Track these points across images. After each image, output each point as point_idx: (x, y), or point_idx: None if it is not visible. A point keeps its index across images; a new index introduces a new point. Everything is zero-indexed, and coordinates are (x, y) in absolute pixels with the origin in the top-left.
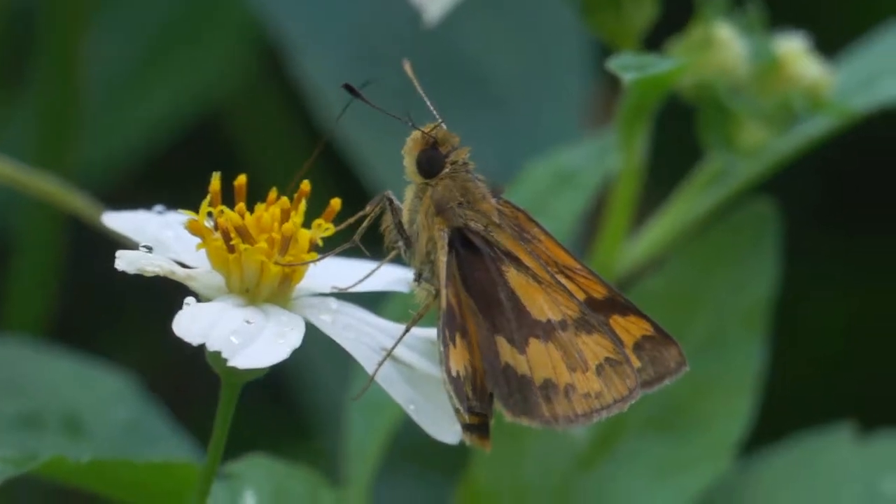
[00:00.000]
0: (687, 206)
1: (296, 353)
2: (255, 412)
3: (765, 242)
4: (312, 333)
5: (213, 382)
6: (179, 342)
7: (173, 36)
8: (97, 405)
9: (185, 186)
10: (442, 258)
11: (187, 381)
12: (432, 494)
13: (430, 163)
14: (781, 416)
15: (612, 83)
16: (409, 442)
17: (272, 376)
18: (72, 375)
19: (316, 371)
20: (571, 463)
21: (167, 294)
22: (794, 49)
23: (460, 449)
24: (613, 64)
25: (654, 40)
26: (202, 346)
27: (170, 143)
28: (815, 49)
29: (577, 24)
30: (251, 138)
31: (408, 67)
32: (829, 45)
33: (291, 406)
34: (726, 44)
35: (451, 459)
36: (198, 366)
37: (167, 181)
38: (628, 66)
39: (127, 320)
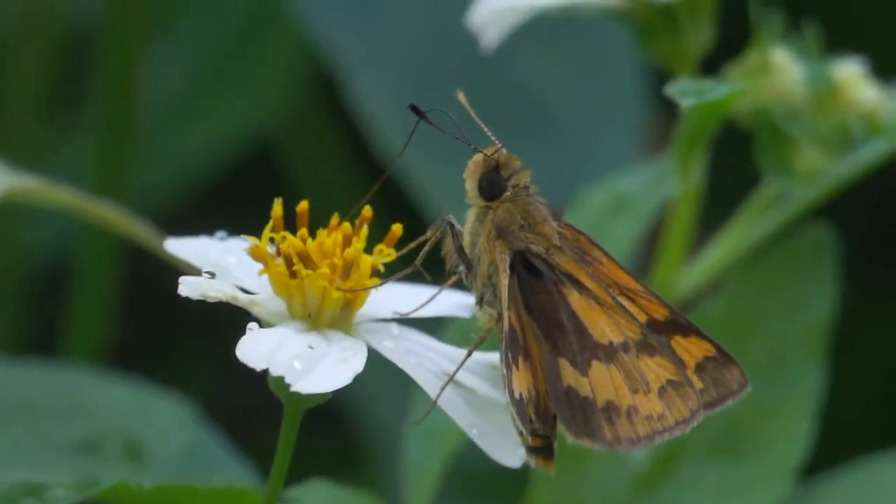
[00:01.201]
0: (744, 230)
1: (349, 385)
2: (307, 443)
3: (823, 266)
4: (367, 363)
5: (272, 409)
6: (238, 369)
7: (228, 61)
8: (157, 432)
9: (239, 212)
10: (504, 281)
11: (246, 409)
12: None
13: (492, 186)
14: (842, 441)
15: (668, 109)
16: (464, 472)
17: (325, 406)
18: (132, 402)
19: (369, 402)
20: (632, 486)
21: (225, 321)
22: (851, 74)
23: (515, 478)
24: (671, 89)
25: (711, 65)
26: (264, 372)
27: (224, 169)
28: (872, 74)
29: (632, 50)
30: (303, 164)
31: (462, 97)
32: (887, 69)
33: (344, 437)
34: (783, 69)
35: (505, 489)
36: (256, 392)
37: (222, 207)
38: (686, 92)
39: (185, 346)
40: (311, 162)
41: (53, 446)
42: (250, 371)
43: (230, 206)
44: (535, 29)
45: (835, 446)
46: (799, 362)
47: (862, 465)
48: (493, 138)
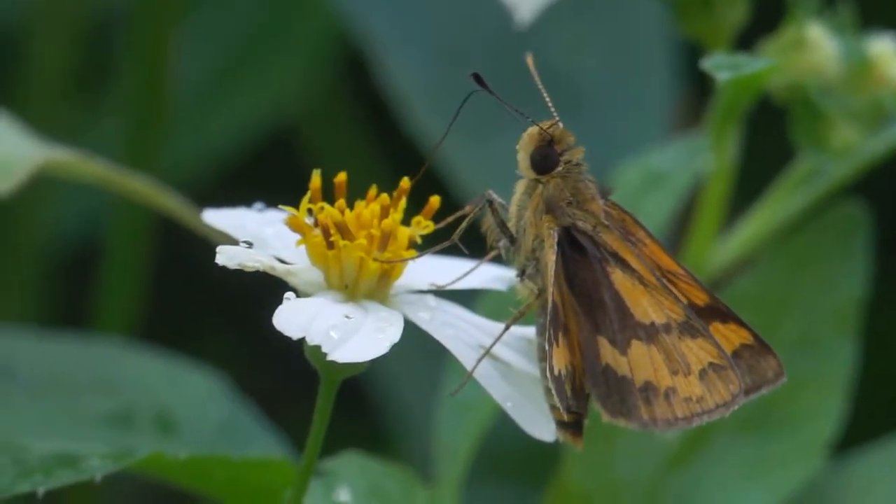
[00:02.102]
0: (778, 206)
1: (375, 366)
2: (332, 425)
3: (856, 243)
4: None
5: (303, 387)
6: (269, 346)
7: (256, 41)
8: (189, 405)
9: (265, 192)
10: (551, 256)
11: (276, 386)
12: (518, 502)
13: (545, 160)
14: (874, 417)
15: (699, 87)
16: (492, 450)
17: (351, 388)
18: (163, 375)
19: (394, 382)
20: (662, 462)
21: (257, 295)
22: (885, 50)
23: (544, 457)
24: (707, 64)
25: (746, 41)
26: (296, 347)
27: (251, 149)
28: None
29: (663, 28)
30: (329, 145)
31: (530, 61)
32: None
33: (371, 419)
34: (818, 44)
35: (534, 468)
36: (289, 366)
37: (248, 187)
38: (722, 66)
39: (216, 320)
40: (336, 143)
41: (86, 419)
42: (281, 348)
43: (257, 186)
44: (565, 8)
45: (867, 423)
46: (831, 339)
47: (891, 443)
48: (552, 111)
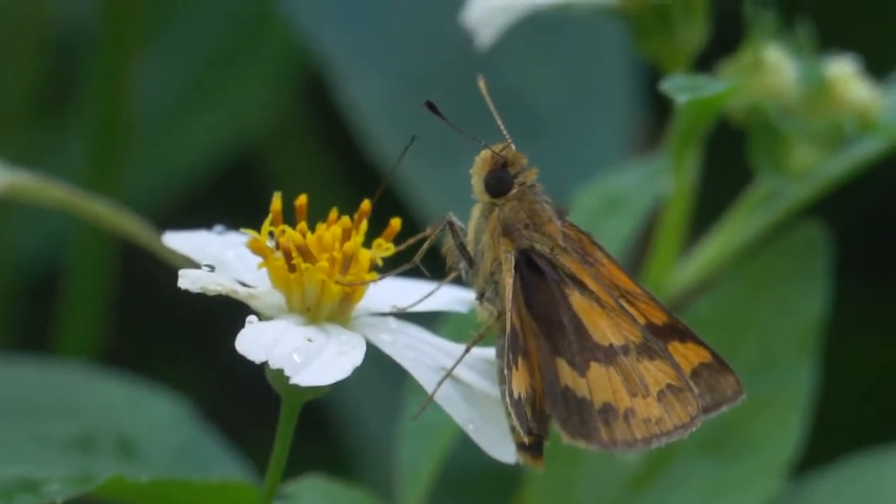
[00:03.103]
0: (737, 228)
1: (334, 391)
2: (292, 450)
3: (815, 265)
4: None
5: (265, 406)
6: (232, 366)
7: (219, 64)
8: (151, 429)
9: (227, 215)
10: (508, 280)
11: (240, 406)
12: None
13: (499, 183)
14: (832, 438)
15: (657, 110)
16: (453, 473)
17: (311, 413)
18: (125, 399)
19: (354, 408)
20: (624, 485)
21: (219, 318)
22: (843, 72)
23: (504, 479)
24: (666, 86)
25: (704, 63)
26: (257, 369)
27: (213, 172)
28: (864, 72)
29: (621, 52)
30: (291, 168)
31: (482, 85)
32: (879, 67)
33: (330, 444)
34: (776, 67)
35: (495, 491)
36: (251, 390)
37: (211, 210)
38: (681, 88)
39: (178, 344)
40: (297, 166)
41: (47, 443)
42: (242, 372)
43: (219, 209)
44: (525, 31)
45: (825, 444)
46: (790, 360)
47: (853, 462)
48: (505, 135)
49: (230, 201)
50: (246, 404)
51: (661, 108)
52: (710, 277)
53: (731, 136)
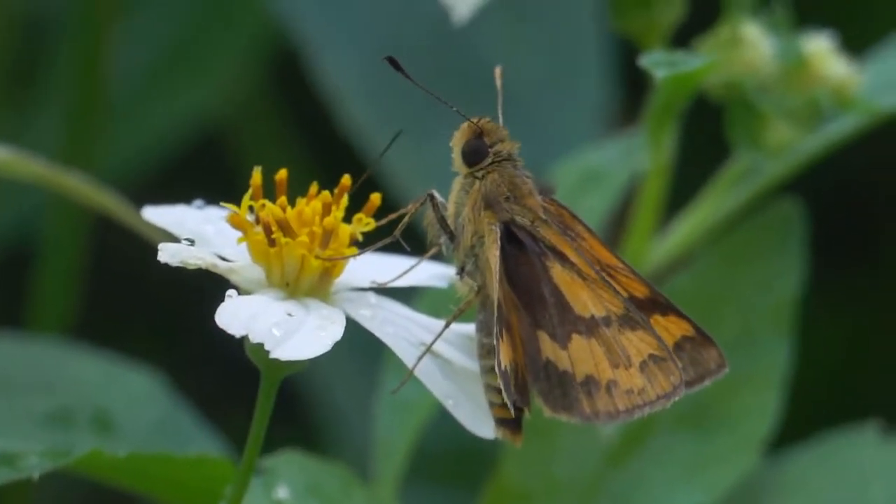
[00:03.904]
0: (714, 205)
1: (305, 371)
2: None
3: (791, 241)
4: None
5: (241, 384)
6: (207, 343)
7: (193, 39)
8: (127, 404)
9: (200, 190)
10: (494, 251)
11: (215, 383)
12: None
13: (475, 153)
14: (808, 414)
15: (631, 87)
16: (429, 450)
17: (281, 394)
18: (101, 374)
19: (325, 389)
20: (601, 461)
21: (194, 295)
22: (820, 48)
23: (481, 457)
24: (645, 61)
25: (681, 40)
26: (233, 347)
27: (186, 148)
28: (841, 48)
29: (596, 27)
30: (262, 144)
31: (498, 73)
32: (856, 44)
33: (301, 425)
34: (754, 43)
35: (471, 468)
36: (226, 367)
37: (182, 185)
38: (660, 64)
39: (149, 321)
40: (268, 143)
41: (23, 418)
42: (218, 350)
43: (190, 185)
44: (499, 7)
45: (801, 420)
46: (767, 336)
47: (829, 440)
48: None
49: (201, 177)
50: (218, 381)
51: (635, 86)
52: (686, 254)
53: (708, 112)
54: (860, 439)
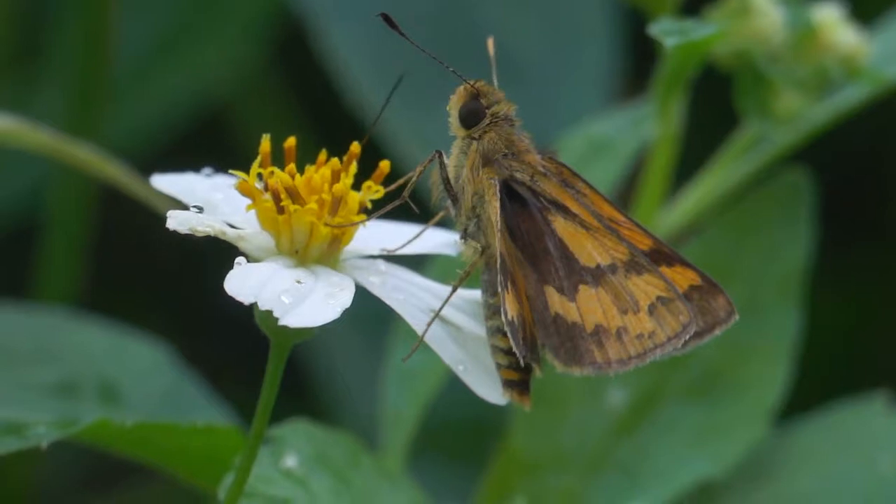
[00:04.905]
0: (723, 174)
1: (309, 343)
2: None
3: (799, 211)
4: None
5: (247, 355)
6: (213, 314)
7: (194, 15)
8: (134, 375)
9: (203, 162)
10: (494, 204)
11: (221, 354)
12: (459, 475)
13: (471, 114)
14: (815, 384)
15: (636, 57)
16: (437, 421)
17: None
18: (107, 345)
19: (326, 356)
20: (609, 429)
21: (195, 266)
22: (830, 17)
23: (489, 428)
24: (655, 30)
25: (689, 9)
26: (238, 318)
27: (188, 122)
28: (850, 17)
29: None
30: (264, 118)
31: (490, 44)
32: (865, 13)
33: (301, 391)
34: (763, 11)
35: (479, 440)
36: (232, 339)
37: (186, 158)
38: (670, 32)
39: (154, 292)
40: (271, 117)
41: (30, 388)
42: (223, 321)
43: (193, 157)
44: None
45: (809, 390)
46: (775, 306)
47: (831, 410)
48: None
49: (205, 150)
50: (225, 352)
51: (643, 55)
52: (695, 223)
53: (717, 81)
54: (868, 409)
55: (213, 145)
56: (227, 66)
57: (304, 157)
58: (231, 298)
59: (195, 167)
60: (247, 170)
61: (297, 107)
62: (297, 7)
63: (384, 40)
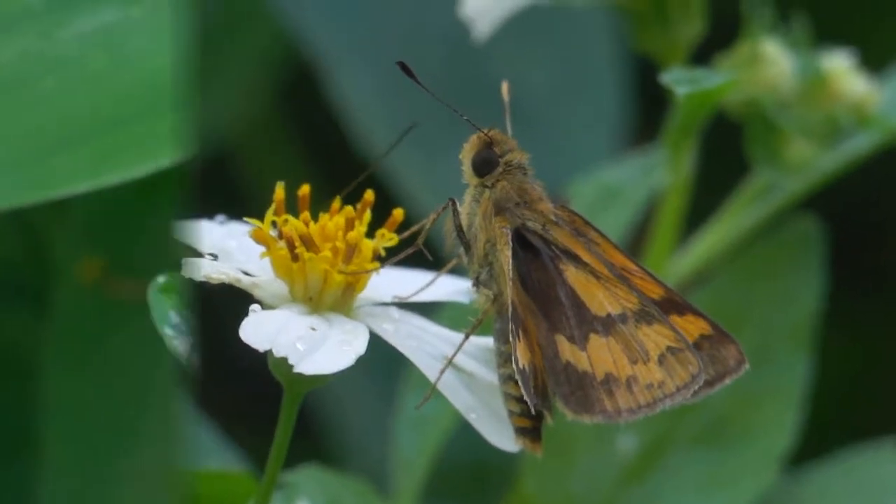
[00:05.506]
0: (733, 221)
1: (318, 389)
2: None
3: (810, 258)
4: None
5: (259, 404)
6: (226, 361)
7: (204, 57)
8: None
9: (208, 205)
10: (506, 253)
11: (234, 402)
12: None
13: (485, 163)
14: (826, 431)
15: (646, 105)
16: (447, 466)
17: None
18: None
19: (336, 403)
20: (619, 476)
21: (213, 310)
22: (840, 65)
23: (499, 474)
24: (667, 78)
25: (702, 57)
26: (252, 366)
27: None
28: (860, 66)
29: (609, 46)
30: (268, 165)
31: (505, 89)
32: (875, 62)
33: (312, 437)
34: (773, 60)
35: (489, 485)
36: (244, 387)
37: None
38: (681, 81)
39: None
40: (277, 160)
41: None
42: (236, 370)
43: (204, 200)
44: (512, 27)
45: (819, 437)
46: (786, 353)
47: (847, 456)
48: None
49: (213, 193)
50: (238, 398)
51: (649, 103)
52: (705, 270)
53: (728, 129)
54: (878, 455)
55: (220, 189)
56: (235, 110)
57: (317, 198)
58: (244, 345)
59: (205, 209)
60: (255, 215)
61: (306, 151)
62: (307, 51)
63: (394, 86)
